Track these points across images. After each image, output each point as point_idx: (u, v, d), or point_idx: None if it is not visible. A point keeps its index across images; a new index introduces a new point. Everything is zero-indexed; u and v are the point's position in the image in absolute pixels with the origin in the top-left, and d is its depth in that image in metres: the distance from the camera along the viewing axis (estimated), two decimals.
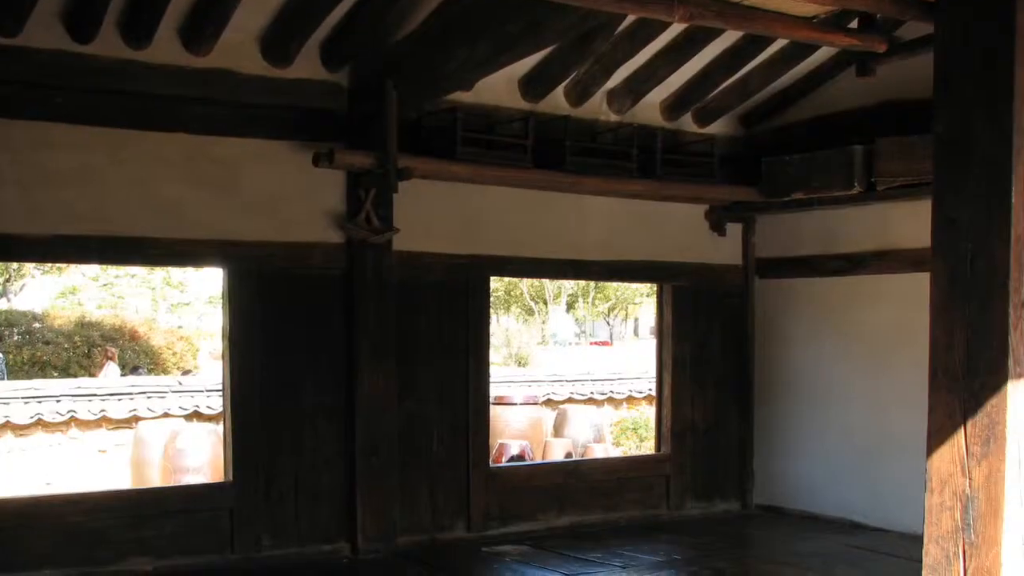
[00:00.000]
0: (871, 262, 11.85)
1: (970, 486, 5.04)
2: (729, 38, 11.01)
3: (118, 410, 18.03)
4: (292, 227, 10.28)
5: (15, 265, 34.68)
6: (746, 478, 13.18)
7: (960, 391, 5.05)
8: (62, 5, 9.03)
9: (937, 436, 5.17)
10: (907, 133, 10.52)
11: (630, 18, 10.02)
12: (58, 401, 17.84)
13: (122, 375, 24.33)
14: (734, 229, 12.97)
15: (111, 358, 26.14)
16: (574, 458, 16.21)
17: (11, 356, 27.91)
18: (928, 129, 5.07)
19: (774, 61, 11.56)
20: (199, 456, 14.73)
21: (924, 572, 5.33)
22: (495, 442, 14.53)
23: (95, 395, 18.11)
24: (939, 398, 5.16)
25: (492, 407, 11.94)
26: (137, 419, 17.72)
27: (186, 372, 27.14)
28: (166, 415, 17.99)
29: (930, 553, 5.28)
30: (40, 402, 17.76)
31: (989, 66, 4.88)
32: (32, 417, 17.59)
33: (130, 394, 18.31)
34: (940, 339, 5.19)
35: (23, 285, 38.10)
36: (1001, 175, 4.92)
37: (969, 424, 5.02)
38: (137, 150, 9.62)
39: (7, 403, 17.62)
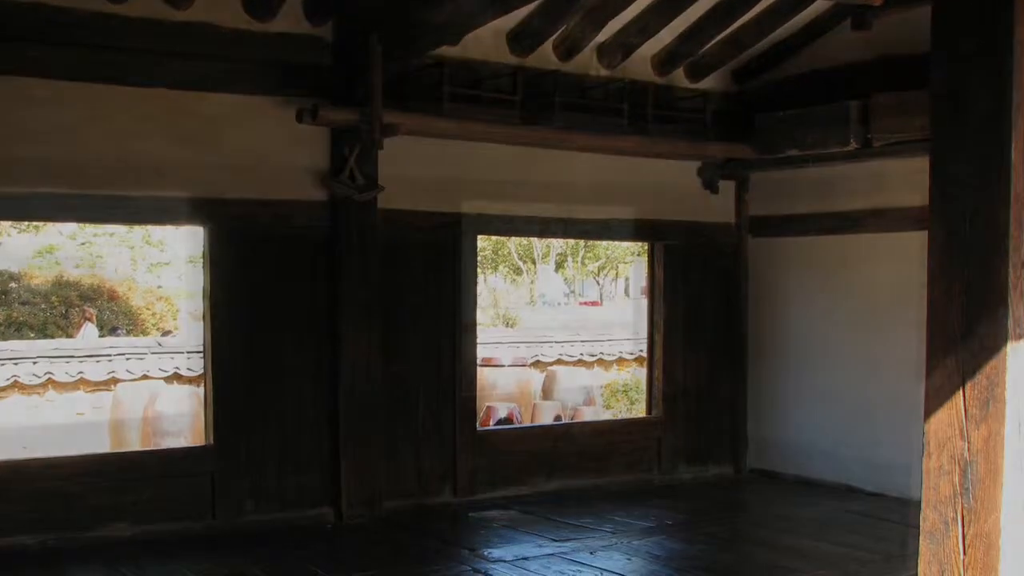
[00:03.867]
0: (867, 220, 11.73)
1: (969, 450, 4.92)
2: None
3: (96, 372, 17.97)
4: (275, 185, 10.14)
5: None
6: (739, 442, 13.09)
7: (958, 353, 4.93)
8: None
9: (935, 399, 5.04)
10: (904, 88, 10.40)
11: None
12: (35, 363, 17.78)
13: (100, 336, 24.23)
14: (727, 186, 12.86)
15: (89, 319, 26.03)
16: (563, 421, 16.14)
17: None
18: (925, 84, 4.92)
19: (768, 14, 11.40)
20: (179, 419, 14.67)
21: (921, 538, 5.21)
22: (482, 405, 14.46)
23: (73, 357, 18.07)
24: (937, 360, 5.03)
25: (479, 369, 11.81)
26: (116, 381, 17.67)
27: (166, 333, 27.00)
28: (145, 377, 17.95)
29: (928, 518, 5.16)
30: (16, 364, 17.71)
31: (988, 19, 4.74)
32: (8, 379, 17.55)
33: (108, 355, 18.26)
34: (938, 299, 5.05)
35: None
36: (1000, 131, 4.78)
37: (968, 386, 4.90)
38: (116, 106, 9.48)
39: None
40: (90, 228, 33.75)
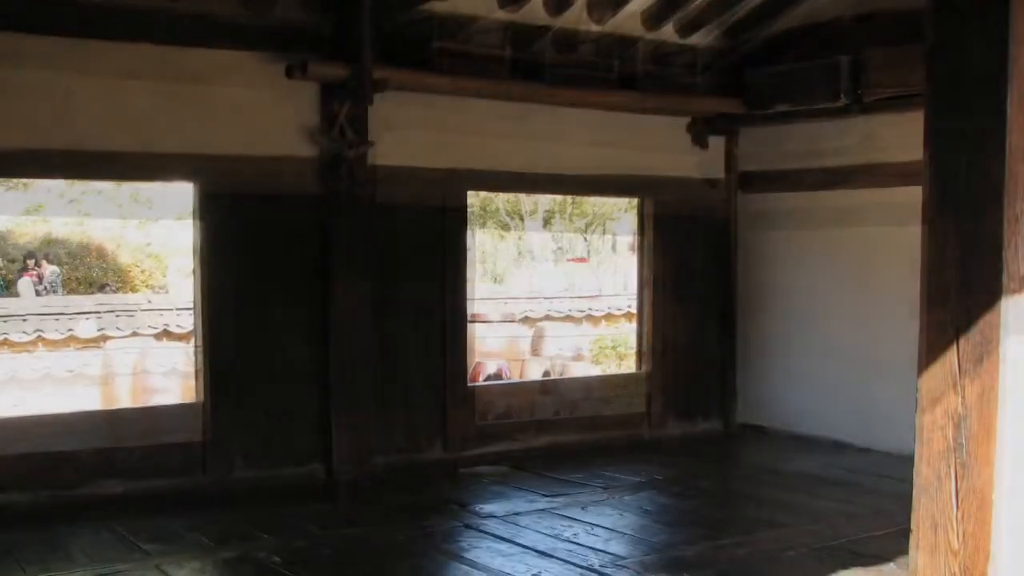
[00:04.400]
0: (857, 176, 11.73)
1: (962, 404, 4.94)
2: None
3: (86, 329, 17.94)
4: (264, 141, 10.10)
5: None
6: (728, 397, 13.13)
7: (953, 308, 4.94)
8: None
9: (929, 354, 5.06)
10: (895, 43, 10.38)
11: None
12: (24, 320, 17.82)
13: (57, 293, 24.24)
14: (716, 142, 12.85)
15: (30, 273, 26.08)
16: (552, 377, 16.17)
17: None
18: (917, 39, 4.92)
19: None
20: (169, 376, 14.68)
21: (915, 492, 5.23)
22: (472, 361, 14.47)
23: (63, 314, 18.07)
24: (931, 315, 5.05)
25: (469, 325, 11.81)
26: (105, 338, 17.68)
27: (155, 290, 27.01)
28: (135, 334, 17.96)
29: (921, 473, 5.18)
30: (6, 321, 17.76)
31: None
32: None
33: (98, 313, 18.27)
34: (932, 254, 5.06)
35: None
36: (995, 85, 4.78)
37: (962, 341, 4.91)
38: (103, 62, 9.40)
39: None
40: (78, 185, 33.69)
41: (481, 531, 8.76)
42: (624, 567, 7.74)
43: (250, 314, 10.14)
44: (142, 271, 30.27)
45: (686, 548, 8.26)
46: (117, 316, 18.18)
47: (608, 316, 22.63)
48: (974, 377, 4.88)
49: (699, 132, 12.62)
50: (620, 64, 11.44)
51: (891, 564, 7.66)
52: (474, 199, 38.31)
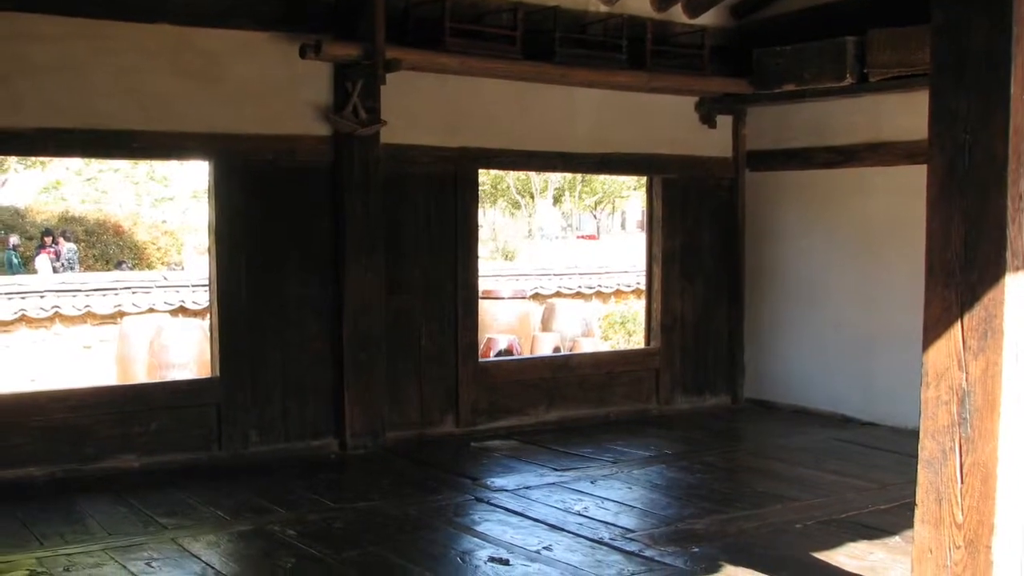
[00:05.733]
0: (863, 154, 11.78)
1: (967, 380, 5.04)
2: None
3: (103, 305, 18.05)
4: (278, 119, 10.18)
5: None
6: (736, 372, 13.20)
7: (957, 284, 5.05)
8: None
9: (933, 330, 5.17)
10: (901, 24, 10.43)
11: None
12: (42, 296, 17.86)
13: (107, 270, 24.34)
14: (724, 121, 12.89)
15: (48, 251, 26.12)
16: (563, 352, 16.22)
17: None
18: (921, 19, 5.02)
19: None
20: (185, 352, 14.75)
21: (920, 466, 5.34)
22: (483, 336, 14.53)
23: (79, 290, 18.13)
24: (936, 292, 5.16)
25: (480, 301, 11.89)
26: (122, 314, 17.76)
27: (171, 267, 27.09)
28: (151, 310, 18.07)
29: (926, 447, 5.29)
30: (24, 298, 17.79)
31: None
32: (16, 313, 17.64)
33: (115, 289, 18.34)
34: (937, 232, 5.17)
35: (5, 180, 37.95)
36: (1000, 65, 4.88)
37: (966, 318, 5.02)
38: (119, 42, 9.49)
39: None
40: (95, 164, 33.83)
41: (492, 504, 8.78)
42: (633, 540, 7.77)
43: (264, 290, 10.22)
44: (158, 248, 30.37)
45: (695, 521, 8.28)
46: (133, 293, 18.25)
47: (617, 292, 22.69)
48: (978, 353, 4.99)
49: (707, 111, 12.68)
50: (629, 44, 11.48)
51: (897, 537, 7.68)
52: (484, 177, 38.49)
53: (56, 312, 17.74)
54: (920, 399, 5.31)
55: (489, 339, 15.53)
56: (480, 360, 11.93)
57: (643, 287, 14.40)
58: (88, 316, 18.03)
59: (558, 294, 21.75)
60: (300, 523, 8.18)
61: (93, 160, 31.18)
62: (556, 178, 47.08)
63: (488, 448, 10.90)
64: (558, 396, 12.05)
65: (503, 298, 17.98)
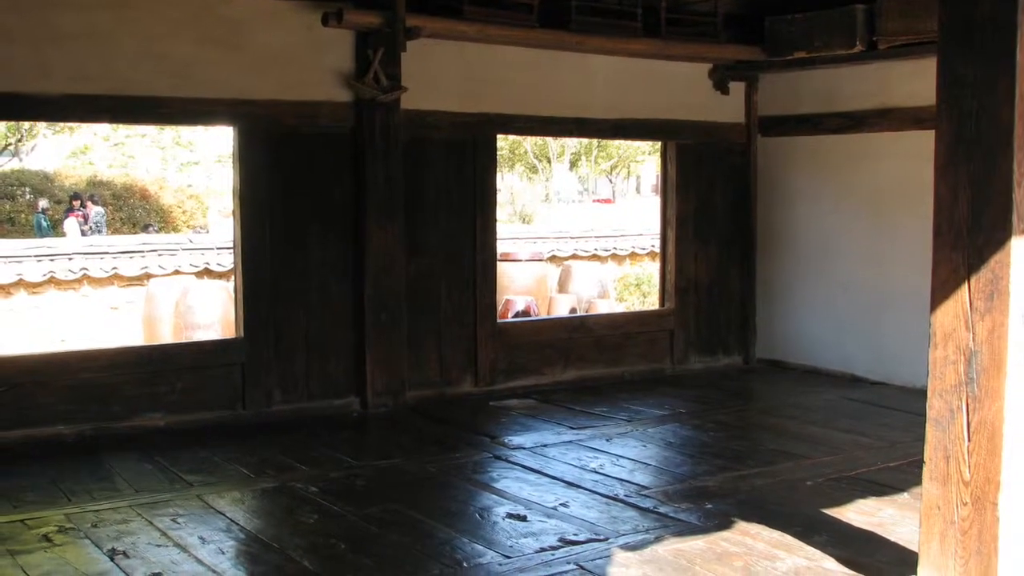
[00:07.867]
0: (872, 120, 11.87)
1: (973, 340, 5.18)
2: None
3: (130, 268, 18.19)
4: (301, 86, 10.29)
5: (26, 124, 34.55)
6: (748, 333, 13.33)
7: (964, 247, 5.18)
8: None
9: (941, 291, 5.31)
10: None
11: None
12: (70, 259, 17.99)
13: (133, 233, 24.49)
14: (737, 87, 12.97)
15: (76, 214, 26.22)
16: (579, 313, 16.34)
17: (23, 215, 28.09)
18: None
19: None
20: (210, 313, 14.86)
21: (928, 425, 5.49)
22: (501, 298, 14.60)
23: (107, 253, 18.25)
24: (943, 254, 5.29)
25: (498, 264, 11.99)
26: (148, 276, 17.88)
27: (196, 230, 27.23)
28: (177, 272, 18.18)
29: (934, 406, 5.44)
30: (52, 260, 17.92)
31: None
32: (45, 275, 17.78)
33: (141, 252, 18.46)
34: (944, 196, 5.31)
35: (34, 145, 38.06)
36: (1007, 32, 5.01)
37: (973, 279, 5.15)
38: (144, 9, 9.60)
39: (20, 261, 17.80)
40: (122, 129, 33.97)
41: (510, 462, 8.87)
42: (648, 496, 7.87)
43: (288, 253, 10.35)
44: (183, 212, 30.51)
45: (708, 478, 8.37)
46: (160, 255, 18.38)
47: (632, 255, 22.80)
48: (984, 314, 5.13)
49: (720, 78, 12.76)
50: (644, 12, 11.53)
51: (905, 494, 7.76)
52: (502, 142, 38.55)
53: (84, 274, 17.86)
54: (928, 359, 5.45)
55: (507, 300, 15.64)
56: (498, 321, 12.01)
57: (658, 250, 14.54)
58: (115, 278, 18.15)
59: (574, 256, 21.85)
60: (322, 480, 8.28)
61: (120, 126, 31.31)
62: (572, 143, 47.06)
63: (506, 407, 11.00)
64: (574, 356, 12.18)
65: (521, 260, 18.08)
